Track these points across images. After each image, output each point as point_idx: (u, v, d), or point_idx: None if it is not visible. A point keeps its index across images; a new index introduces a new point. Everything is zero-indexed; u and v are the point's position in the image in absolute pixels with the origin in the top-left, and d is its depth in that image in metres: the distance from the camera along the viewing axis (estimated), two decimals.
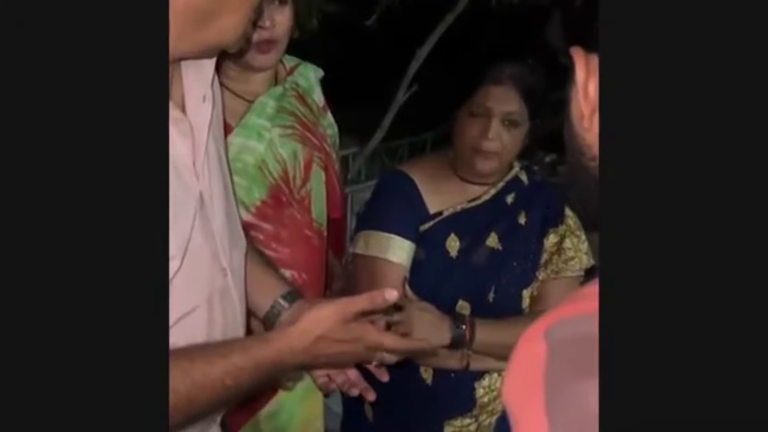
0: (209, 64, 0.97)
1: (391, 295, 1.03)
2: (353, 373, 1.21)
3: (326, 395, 1.49)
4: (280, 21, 1.45)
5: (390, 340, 1.09)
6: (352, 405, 1.67)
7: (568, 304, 0.52)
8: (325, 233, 1.62)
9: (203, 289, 0.96)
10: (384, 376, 1.24)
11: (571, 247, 1.58)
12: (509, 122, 1.50)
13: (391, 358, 1.14)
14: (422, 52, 4.29)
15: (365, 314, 1.07)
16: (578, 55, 0.57)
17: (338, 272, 1.76)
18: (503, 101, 1.49)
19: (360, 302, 1.04)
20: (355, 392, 1.22)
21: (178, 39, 0.85)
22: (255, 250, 1.24)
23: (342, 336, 1.01)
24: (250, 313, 1.18)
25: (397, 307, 1.27)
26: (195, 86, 0.96)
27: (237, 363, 0.93)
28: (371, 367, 1.20)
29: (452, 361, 1.49)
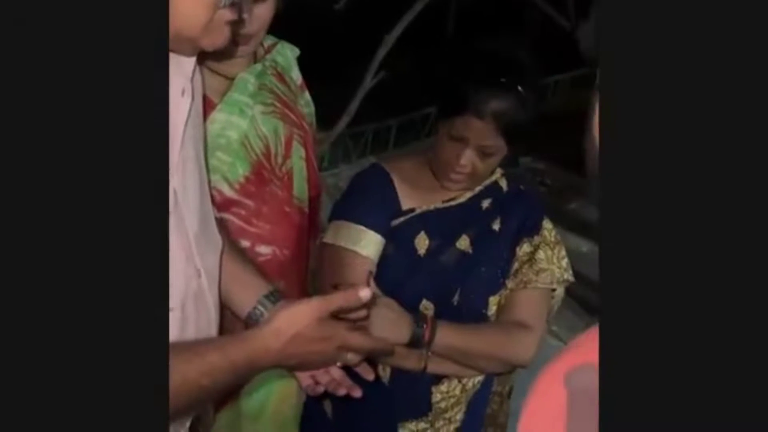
0: (189, 58, 0.93)
1: (365, 293, 1.03)
2: (337, 373, 1.19)
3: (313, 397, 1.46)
4: (259, 15, 1.42)
5: (356, 339, 1.09)
6: (312, 400, 1.64)
7: (588, 346, 0.51)
8: (306, 210, 1.61)
9: (177, 291, 0.93)
10: (370, 375, 1.22)
11: (544, 258, 1.54)
12: (484, 152, 1.47)
13: (354, 359, 1.13)
14: (391, 38, 4.25)
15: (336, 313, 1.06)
16: None
17: (313, 251, 1.74)
18: (481, 135, 1.44)
19: (335, 301, 1.03)
20: (342, 391, 1.20)
21: None
22: (234, 246, 1.21)
23: (316, 334, 1.00)
24: (232, 314, 1.15)
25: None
26: (173, 79, 0.91)
27: (213, 362, 0.91)
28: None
29: (410, 361, 1.48)
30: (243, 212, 1.48)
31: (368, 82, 4.33)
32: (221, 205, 1.43)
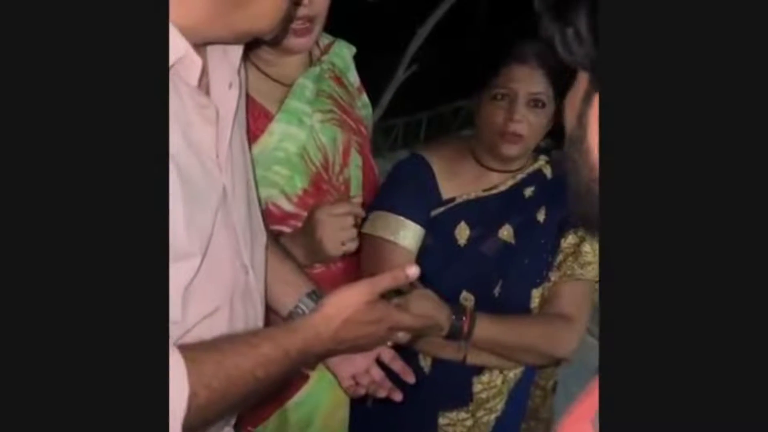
0: (236, 49, 0.92)
1: (413, 271, 1.01)
2: (378, 374, 1.18)
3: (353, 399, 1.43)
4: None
5: (407, 318, 1.07)
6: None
7: None
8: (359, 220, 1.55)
9: (225, 288, 0.92)
10: (410, 377, 1.20)
11: (590, 251, 1.51)
12: (535, 102, 1.44)
13: (405, 338, 1.12)
14: (423, 32, 4.22)
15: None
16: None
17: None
18: (528, 81, 1.42)
19: (383, 281, 1.01)
20: (382, 393, 1.18)
21: (208, 21, 0.80)
22: (275, 242, 1.19)
23: (367, 318, 0.99)
24: (273, 312, 1.13)
25: (397, 291, 1.23)
26: (221, 72, 0.90)
27: (267, 354, 0.90)
28: (396, 368, 1.17)
29: (449, 352, 1.46)
30: (300, 225, 1.42)
31: (400, 75, 4.30)
32: (279, 219, 1.39)
